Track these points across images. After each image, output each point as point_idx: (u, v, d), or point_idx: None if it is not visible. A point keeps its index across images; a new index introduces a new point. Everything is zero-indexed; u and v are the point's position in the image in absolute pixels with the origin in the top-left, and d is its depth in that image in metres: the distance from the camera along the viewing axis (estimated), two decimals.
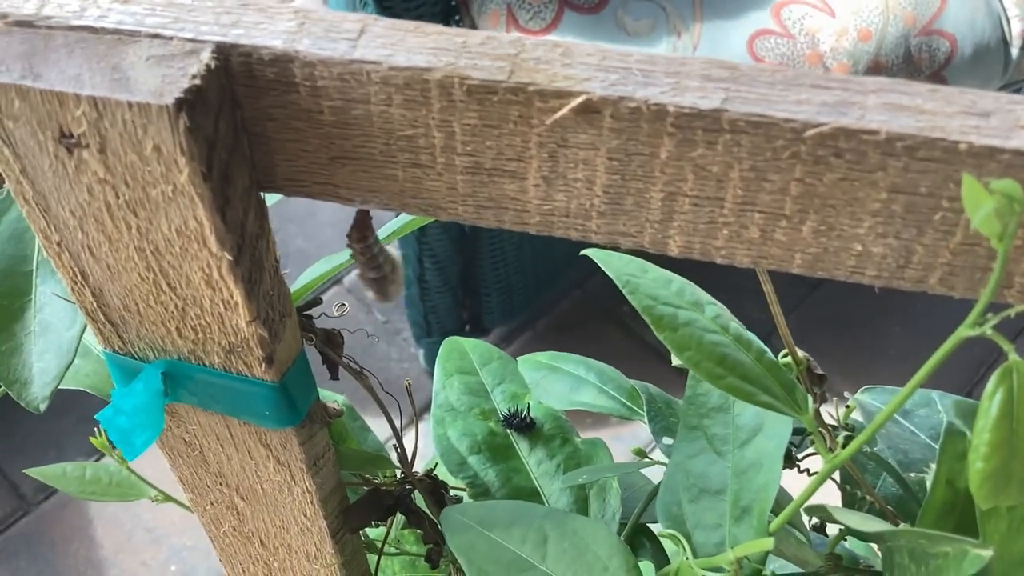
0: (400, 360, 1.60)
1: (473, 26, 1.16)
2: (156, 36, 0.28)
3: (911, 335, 1.60)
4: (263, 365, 0.35)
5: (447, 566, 0.50)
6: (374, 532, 0.54)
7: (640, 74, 0.27)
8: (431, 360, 1.52)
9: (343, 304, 0.44)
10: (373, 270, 0.37)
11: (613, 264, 0.35)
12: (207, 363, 0.35)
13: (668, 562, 0.50)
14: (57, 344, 0.40)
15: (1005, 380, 0.27)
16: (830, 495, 0.71)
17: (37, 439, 1.51)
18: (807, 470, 0.47)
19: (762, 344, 0.36)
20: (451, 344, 0.57)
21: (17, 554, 1.41)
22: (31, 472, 0.58)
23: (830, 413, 0.45)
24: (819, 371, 0.42)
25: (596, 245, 0.41)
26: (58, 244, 0.32)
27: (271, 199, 0.41)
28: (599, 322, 1.64)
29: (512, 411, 0.54)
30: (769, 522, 0.39)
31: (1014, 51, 1.25)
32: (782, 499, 0.46)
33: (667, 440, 0.49)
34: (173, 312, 0.34)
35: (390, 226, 0.42)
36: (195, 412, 0.39)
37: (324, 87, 0.28)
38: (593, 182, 0.29)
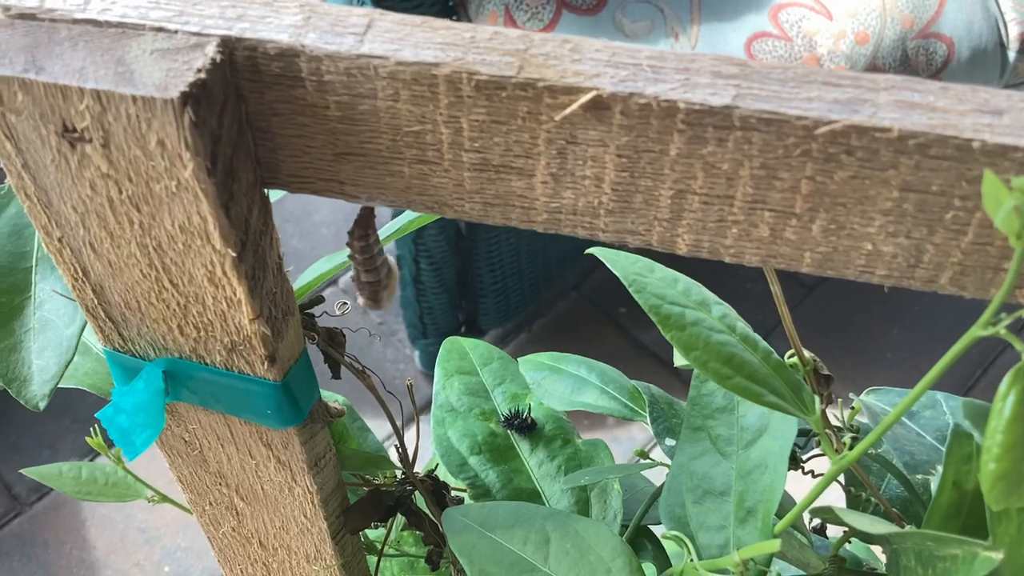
0: (396, 361, 1.60)
1: None
2: (160, 29, 0.28)
3: (908, 337, 1.60)
4: (265, 364, 0.34)
5: (447, 568, 0.49)
6: (373, 533, 0.54)
7: (650, 70, 0.27)
8: (426, 362, 1.52)
9: (345, 303, 0.43)
10: (369, 273, 0.36)
11: (620, 263, 0.35)
12: (209, 361, 0.35)
13: (670, 564, 0.50)
14: (57, 341, 0.40)
15: (1019, 381, 0.27)
16: (832, 496, 0.71)
17: (31, 439, 1.50)
18: (811, 471, 0.47)
19: (768, 345, 0.36)
20: (451, 344, 0.57)
21: (10, 555, 1.40)
22: (27, 472, 0.58)
23: (834, 415, 0.45)
24: (826, 372, 0.42)
25: (601, 243, 0.41)
26: (59, 240, 0.32)
27: (272, 197, 0.40)
28: (595, 324, 1.64)
29: (513, 412, 0.53)
30: (773, 524, 0.39)
31: (1011, 54, 1.25)
32: (784, 501, 0.46)
33: (670, 441, 0.48)
34: (175, 309, 0.33)
35: (389, 227, 0.41)
36: (196, 411, 0.39)
37: (330, 82, 0.28)
38: (602, 179, 0.29)
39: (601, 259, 0.37)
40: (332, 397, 0.52)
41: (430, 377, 1.52)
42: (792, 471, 0.46)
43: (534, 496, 0.51)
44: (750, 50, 1.17)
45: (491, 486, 0.51)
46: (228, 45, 0.28)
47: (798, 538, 0.45)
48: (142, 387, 0.35)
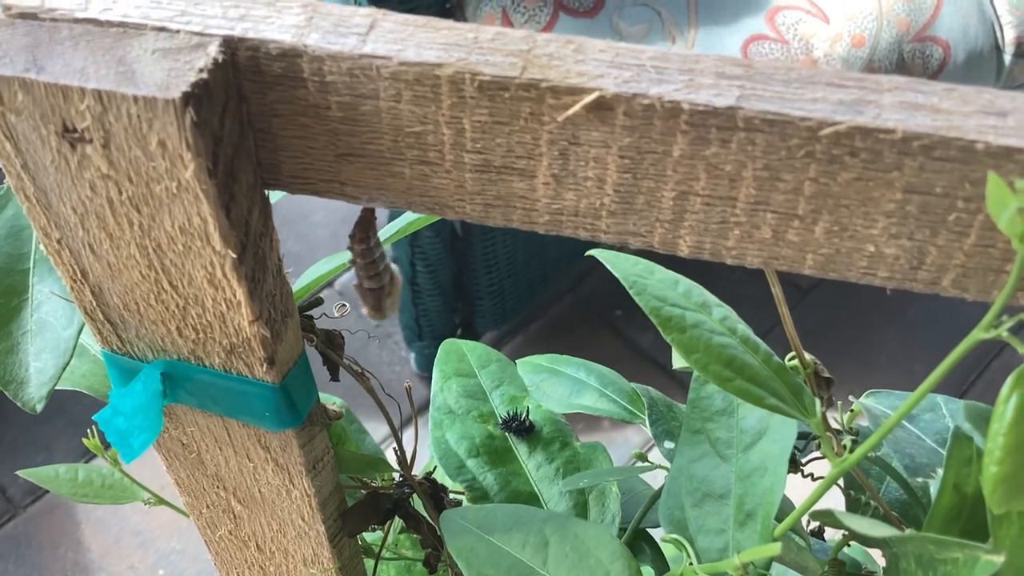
0: (391, 364, 1.60)
1: None
2: (162, 29, 0.28)
3: (904, 340, 1.61)
4: (264, 366, 0.34)
5: (445, 571, 0.49)
6: (371, 536, 0.54)
7: (654, 71, 0.26)
8: (422, 364, 1.52)
9: (344, 304, 0.43)
10: (371, 278, 0.36)
11: (620, 265, 0.35)
12: (207, 363, 0.35)
13: (668, 568, 0.49)
14: (54, 343, 0.40)
15: (1021, 383, 0.27)
16: (831, 499, 0.71)
17: (26, 442, 1.50)
18: (811, 474, 0.47)
19: (768, 348, 0.36)
20: (449, 346, 0.56)
21: (4, 557, 1.40)
22: (23, 473, 0.57)
23: (833, 418, 0.45)
24: (826, 374, 0.42)
25: (601, 245, 0.40)
26: (58, 241, 0.32)
27: (271, 198, 0.40)
28: (591, 326, 1.64)
29: (511, 414, 0.53)
30: (773, 527, 0.38)
31: (1007, 57, 1.26)
32: (783, 504, 0.46)
33: (668, 444, 0.48)
34: (174, 311, 0.33)
35: (387, 230, 0.41)
36: (194, 413, 0.38)
37: (332, 82, 0.28)
38: (604, 180, 0.29)
39: (601, 261, 0.37)
40: (330, 399, 0.52)
41: (426, 379, 1.52)
42: (791, 474, 0.45)
43: (532, 499, 0.51)
44: (747, 53, 1.17)
45: (489, 489, 0.51)
46: (230, 45, 0.27)
47: (797, 541, 0.45)
48: (140, 389, 0.35)
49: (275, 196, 0.40)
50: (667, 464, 0.49)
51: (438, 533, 0.47)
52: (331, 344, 0.41)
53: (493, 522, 0.42)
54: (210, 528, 0.45)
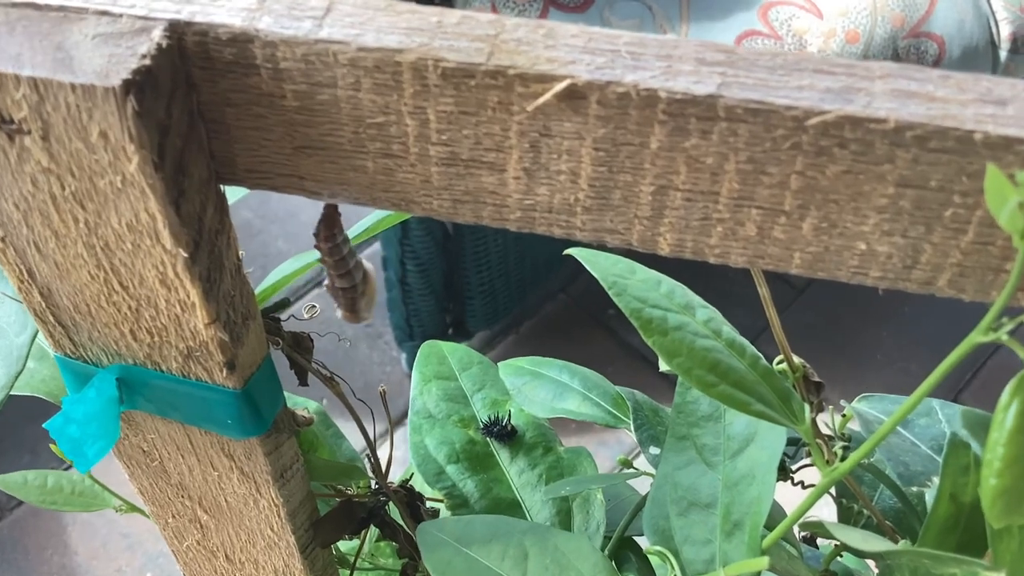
0: (382, 364, 1.58)
1: None
2: (104, 13, 0.26)
3: (898, 339, 1.59)
4: (224, 371, 0.32)
5: None
6: (346, 545, 0.52)
7: (629, 57, 0.25)
8: (413, 364, 1.50)
9: (313, 306, 0.41)
10: (342, 277, 0.34)
11: (599, 264, 0.33)
12: (164, 368, 0.33)
13: None
14: (7, 350, 0.38)
15: (1021, 391, 0.25)
16: (823, 507, 0.69)
17: (10, 444, 1.48)
18: (801, 482, 0.45)
19: (756, 350, 0.34)
20: (429, 348, 0.55)
21: None
22: None
23: (825, 423, 0.43)
24: (816, 379, 0.40)
25: (581, 244, 0.39)
26: (2, 240, 0.30)
27: (237, 193, 0.38)
28: (584, 325, 1.62)
29: (492, 418, 0.52)
30: (762, 537, 0.37)
31: (1003, 53, 1.24)
32: (773, 512, 0.44)
33: (654, 450, 0.46)
34: (126, 313, 0.31)
35: (360, 225, 0.39)
36: (153, 420, 0.37)
37: (287, 69, 0.26)
38: (578, 174, 0.27)
39: (580, 260, 0.35)
40: (306, 404, 0.50)
41: None
42: (782, 482, 0.44)
43: (514, 506, 0.49)
44: None
45: (469, 496, 0.49)
46: (177, 30, 0.26)
47: (787, 550, 0.44)
48: (94, 395, 0.33)
49: (239, 192, 0.38)
50: (653, 470, 0.47)
51: (415, 542, 0.45)
52: (299, 347, 0.39)
53: (471, 534, 0.40)
54: (177, 538, 0.44)
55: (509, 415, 0.52)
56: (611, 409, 0.51)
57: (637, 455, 1.41)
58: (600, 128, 0.25)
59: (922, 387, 0.28)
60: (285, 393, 0.38)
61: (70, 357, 0.34)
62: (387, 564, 0.54)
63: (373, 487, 0.46)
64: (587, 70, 0.25)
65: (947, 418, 0.43)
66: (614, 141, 0.26)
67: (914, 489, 0.41)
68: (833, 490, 0.45)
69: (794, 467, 0.47)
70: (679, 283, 0.34)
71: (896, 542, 0.39)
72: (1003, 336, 0.25)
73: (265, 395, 0.35)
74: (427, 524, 0.40)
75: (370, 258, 1.61)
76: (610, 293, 0.32)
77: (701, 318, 0.33)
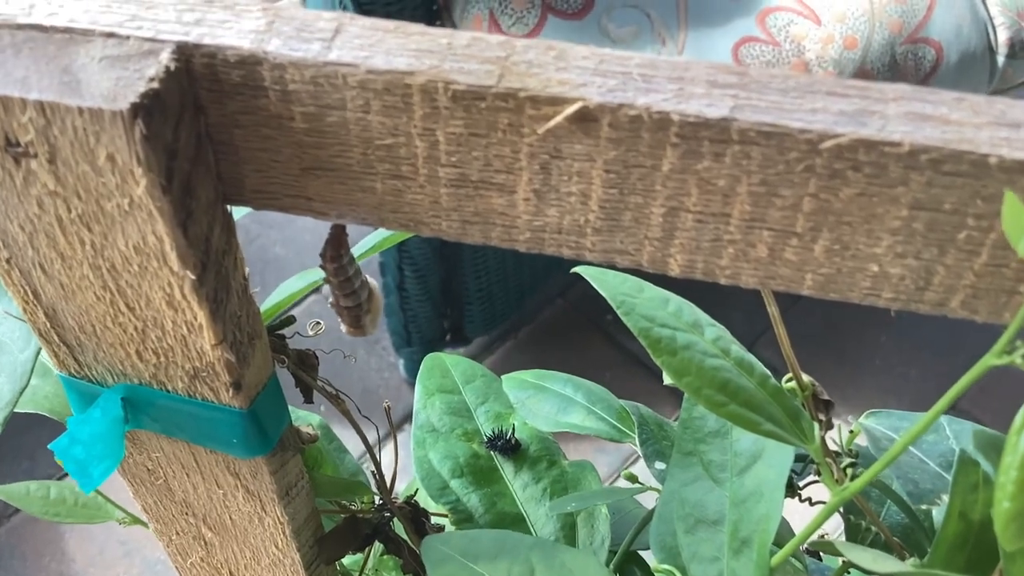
0: (380, 370, 1.58)
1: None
2: (111, 35, 0.26)
3: (898, 344, 1.59)
4: (230, 391, 0.32)
5: None
6: (350, 560, 0.52)
7: (641, 79, 0.25)
8: (411, 370, 1.50)
9: (318, 322, 0.41)
10: (347, 296, 0.34)
11: (608, 283, 0.33)
12: (170, 388, 0.33)
13: None
14: (11, 367, 0.38)
15: None
16: (829, 522, 0.69)
17: (9, 452, 1.48)
18: (809, 499, 0.45)
19: (765, 369, 0.34)
20: (432, 361, 0.54)
21: None
22: None
23: (832, 438, 0.43)
24: (825, 397, 0.40)
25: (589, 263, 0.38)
26: (7, 261, 0.30)
27: (241, 211, 0.38)
28: (582, 331, 1.62)
29: (496, 432, 0.51)
30: (769, 555, 0.37)
31: (1000, 59, 1.24)
32: (783, 529, 0.44)
33: (660, 465, 0.46)
34: (132, 334, 0.31)
35: (366, 243, 0.39)
36: (159, 439, 0.36)
37: (296, 91, 0.26)
38: (588, 196, 0.27)
39: (587, 279, 0.35)
40: (308, 419, 0.50)
41: (414, 386, 1.50)
42: (790, 499, 0.44)
43: (518, 521, 0.49)
44: (737, 55, 1.15)
45: (473, 510, 0.49)
46: (184, 52, 0.25)
47: (794, 565, 0.43)
48: (99, 416, 0.33)
49: (242, 211, 0.38)
50: (656, 483, 0.47)
51: (420, 557, 0.45)
52: (303, 365, 0.39)
53: (477, 549, 0.40)
54: (181, 555, 0.43)
55: (513, 429, 0.52)
56: (616, 423, 0.51)
57: (634, 462, 1.40)
58: (611, 150, 0.25)
59: (934, 409, 0.28)
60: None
61: (75, 377, 0.34)
62: None
63: (377, 503, 0.45)
64: (599, 92, 0.24)
65: (955, 434, 0.43)
66: (625, 163, 0.26)
67: (922, 507, 0.41)
68: (841, 507, 0.45)
69: (801, 483, 0.47)
70: (687, 301, 0.34)
71: (904, 559, 0.38)
72: (1017, 359, 0.25)
73: (271, 414, 0.34)
74: (432, 538, 0.40)
75: (367, 264, 1.61)
76: (619, 312, 0.32)
77: (710, 337, 0.33)
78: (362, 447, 0.46)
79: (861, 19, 1.18)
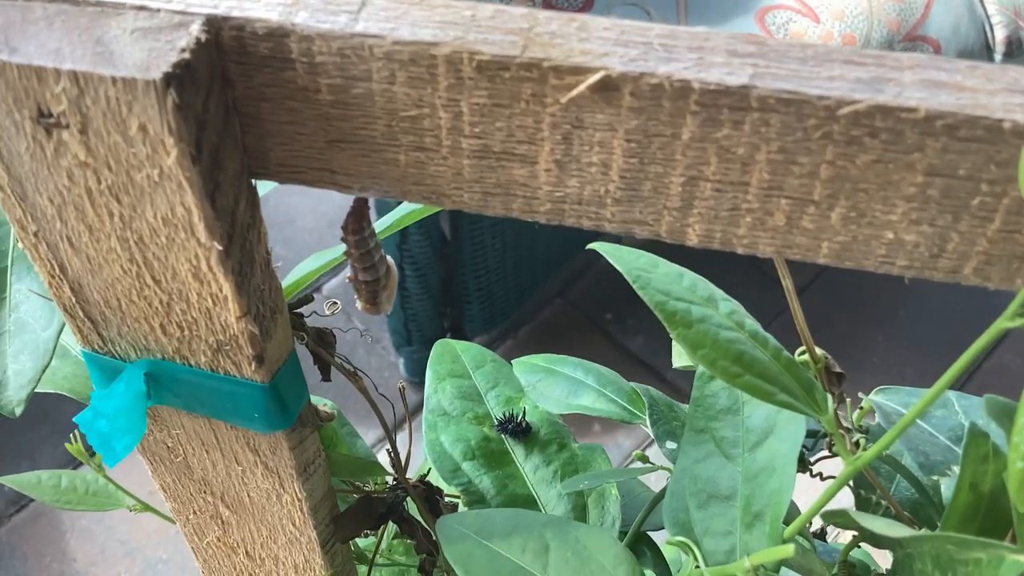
0: (380, 369, 1.58)
1: None
2: (142, 8, 0.26)
3: (894, 343, 1.60)
4: (253, 364, 0.33)
5: None
6: (364, 542, 0.52)
7: (662, 49, 0.25)
8: (411, 369, 1.50)
9: (335, 302, 0.42)
10: (366, 270, 0.35)
11: (623, 258, 0.34)
12: (193, 363, 0.33)
13: (669, 572, 0.48)
14: (33, 344, 0.38)
15: None
16: (839, 499, 0.69)
17: (10, 450, 1.48)
18: (820, 474, 0.46)
19: (777, 342, 0.34)
20: (443, 347, 0.55)
21: None
22: (5, 480, 0.56)
23: (842, 416, 0.44)
24: (837, 370, 0.40)
25: (599, 237, 0.39)
26: (35, 235, 0.30)
27: (265, 187, 0.39)
28: (581, 330, 1.62)
29: (507, 416, 0.52)
30: (782, 529, 0.37)
31: (997, 57, 1.25)
32: (789, 507, 0.44)
33: (671, 444, 0.47)
34: (157, 308, 0.32)
35: (379, 224, 0.40)
36: (179, 415, 0.37)
37: (322, 63, 0.26)
38: (609, 166, 0.27)
39: (603, 254, 0.35)
40: (320, 401, 0.51)
41: (415, 384, 1.50)
42: (801, 474, 0.44)
43: (530, 502, 0.49)
44: None
45: (485, 492, 0.49)
46: (214, 24, 0.26)
47: (801, 543, 0.44)
48: (123, 390, 0.33)
49: (263, 189, 0.39)
50: (667, 465, 0.48)
51: (433, 538, 0.46)
52: (322, 343, 0.39)
53: (492, 527, 0.40)
54: (197, 535, 0.44)
55: (524, 412, 0.52)
56: (626, 405, 0.51)
57: (647, 447, 1.41)
58: (632, 119, 0.26)
59: (946, 376, 0.28)
60: None
61: (98, 352, 0.34)
62: (402, 560, 0.54)
63: (391, 483, 0.46)
64: (621, 62, 0.25)
65: (964, 409, 0.44)
66: (646, 132, 0.26)
67: (932, 479, 0.41)
68: (851, 481, 0.46)
69: (812, 459, 0.47)
70: (700, 276, 0.35)
71: (917, 531, 0.39)
72: None
73: (291, 389, 0.35)
74: (447, 518, 0.41)
75: None
76: (635, 286, 0.32)
77: (724, 311, 0.33)
78: (372, 436, 0.46)
79: (859, 17, 1.19)
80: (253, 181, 0.30)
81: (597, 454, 0.51)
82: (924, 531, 0.34)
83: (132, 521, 1.40)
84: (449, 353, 0.54)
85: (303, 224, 1.74)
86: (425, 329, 1.45)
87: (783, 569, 0.42)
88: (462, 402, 0.52)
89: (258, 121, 0.28)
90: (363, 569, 0.49)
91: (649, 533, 0.50)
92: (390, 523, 0.46)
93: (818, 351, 0.40)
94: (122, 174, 0.27)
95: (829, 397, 0.33)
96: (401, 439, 0.53)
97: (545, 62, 0.25)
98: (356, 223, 0.32)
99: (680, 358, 0.46)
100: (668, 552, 0.49)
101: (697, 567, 0.37)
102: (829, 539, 0.57)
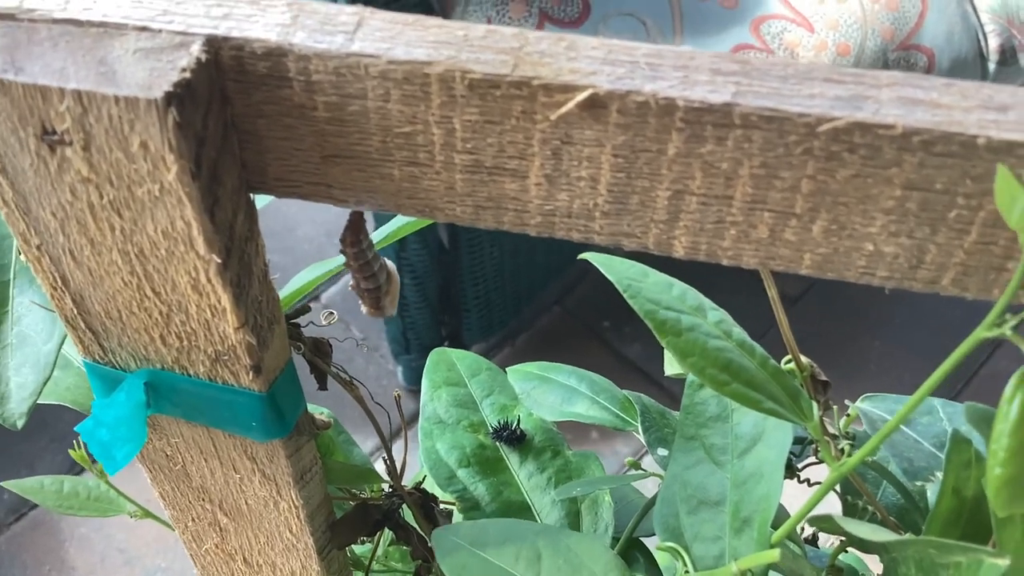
0: (378, 377, 1.59)
1: None
2: (144, 29, 0.27)
3: (890, 349, 1.61)
4: (250, 374, 0.33)
5: None
6: (360, 549, 0.53)
7: (648, 68, 0.26)
8: (409, 377, 1.51)
9: (331, 312, 0.42)
10: (367, 279, 0.36)
11: (614, 268, 0.34)
12: (192, 372, 0.34)
13: None
14: (35, 357, 0.39)
15: None
16: (827, 506, 0.70)
17: (9, 459, 1.48)
18: (807, 480, 0.46)
19: (764, 351, 0.35)
20: (438, 355, 0.56)
21: None
22: (7, 485, 0.56)
23: (829, 423, 0.44)
24: (823, 378, 0.41)
25: (592, 248, 0.40)
26: (38, 248, 0.31)
27: (261, 201, 0.39)
28: (579, 338, 1.63)
29: (502, 423, 0.53)
30: (770, 534, 0.38)
31: (991, 65, 1.26)
32: (777, 510, 0.45)
33: (662, 451, 0.48)
34: (157, 319, 0.32)
35: (376, 235, 0.40)
36: (178, 424, 0.38)
37: (319, 82, 0.27)
38: (597, 180, 0.28)
39: (595, 264, 0.36)
40: (317, 410, 0.51)
41: (413, 393, 1.51)
42: (788, 480, 0.45)
43: (524, 509, 0.50)
44: None
45: (480, 499, 0.50)
46: (214, 44, 0.27)
47: (792, 548, 0.45)
48: (123, 399, 0.34)
49: (263, 200, 0.39)
50: (660, 472, 0.48)
51: (429, 545, 0.46)
52: (319, 352, 0.40)
53: (485, 537, 0.41)
54: (196, 542, 0.45)
55: (518, 420, 0.53)
56: (619, 412, 0.52)
57: (641, 457, 1.41)
58: (620, 135, 0.27)
59: (926, 384, 0.29)
60: None
61: (99, 363, 0.35)
62: (398, 567, 0.54)
63: (387, 490, 0.47)
64: (608, 80, 0.26)
65: (948, 416, 0.45)
66: (633, 148, 0.27)
67: (917, 484, 0.42)
68: (838, 488, 0.47)
69: (800, 465, 0.48)
70: (689, 286, 0.36)
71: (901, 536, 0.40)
72: (1007, 331, 0.27)
73: (288, 398, 0.36)
74: (442, 529, 0.41)
75: None
76: (625, 295, 0.33)
77: (712, 320, 0.34)
78: (369, 445, 0.47)
79: (854, 26, 1.20)
80: (251, 195, 0.31)
81: (591, 461, 0.52)
82: (908, 535, 0.34)
83: (131, 529, 1.41)
84: (445, 361, 0.55)
85: (303, 233, 1.75)
86: (423, 337, 1.45)
87: (772, 573, 0.43)
88: (458, 410, 0.53)
89: (256, 137, 0.29)
90: (360, 575, 0.50)
91: (642, 539, 0.50)
92: (386, 530, 0.46)
93: (804, 359, 0.41)
94: (123, 189, 0.28)
95: (815, 404, 0.34)
96: (399, 446, 0.54)
97: (535, 80, 0.26)
98: (353, 235, 0.33)
99: (672, 366, 0.47)
100: (660, 558, 0.50)
101: (687, 572, 0.38)
102: (822, 545, 0.58)
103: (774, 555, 0.34)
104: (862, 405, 0.45)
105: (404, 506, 0.47)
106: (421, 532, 0.47)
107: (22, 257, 0.32)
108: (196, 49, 0.26)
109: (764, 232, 0.28)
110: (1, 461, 1.48)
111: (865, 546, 0.37)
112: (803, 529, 0.53)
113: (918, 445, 0.43)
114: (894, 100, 0.25)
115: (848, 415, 0.45)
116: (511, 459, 0.52)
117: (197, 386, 0.34)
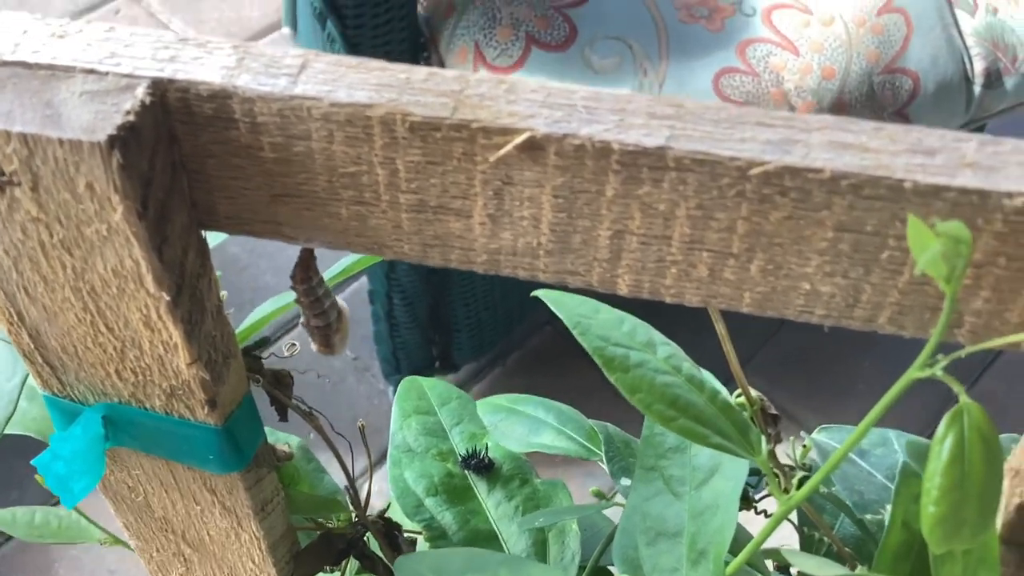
0: (369, 397, 1.59)
1: (441, 63, 1.16)
2: (91, 72, 0.27)
3: (880, 369, 1.61)
4: (206, 408, 0.34)
5: None
6: None
7: (585, 111, 0.26)
8: None
9: (293, 344, 0.43)
10: (317, 316, 0.36)
11: (566, 305, 0.35)
12: (148, 406, 0.34)
13: None
14: None
15: (956, 423, 0.27)
16: (789, 536, 0.71)
17: (0, 478, 1.48)
18: (764, 511, 0.47)
19: (716, 384, 0.35)
20: (409, 384, 0.56)
21: None
22: None
23: (787, 453, 0.45)
24: (773, 411, 0.42)
25: (548, 285, 0.40)
26: None
27: (219, 236, 0.40)
28: (570, 357, 1.63)
29: (470, 452, 0.53)
30: (727, 564, 0.38)
31: (976, 88, 1.27)
32: (744, 540, 0.45)
33: (625, 481, 0.48)
34: (112, 354, 0.33)
35: (338, 266, 0.41)
36: (138, 456, 0.38)
37: (264, 123, 0.28)
38: (539, 220, 0.28)
39: (546, 302, 0.37)
40: (288, 439, 0.52)
41: None
42: (746, 511, 0.45)
43: (491, 537, 0.50)
44: (718, 85, 1.18)
45: (447, 528, 0.50)
46: (159, 87, 0.27)
47: (752, 574, 0.45)
48: (79, 433, 0.34)
49: (220, 237, 0.40)
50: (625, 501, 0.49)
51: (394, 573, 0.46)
52: (278, 384, 0.40)
53: (448, 566, 0.41)
54: (162, 572, 0.45)
55: (487, 448, 0.53)
56: (584, 442, 0.52)
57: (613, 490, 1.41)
58: (559, 177, 0.27)
59: (867, 419, 0.29)
60: (269, 429, 0.39)
61: (57, 396, 0.35)
62: None
63: (352, 519, 0.47)
64: (545, 123, 0.26)
65: (903, 448, 0.45)
66: (572, 189, 0.27)
67: (875, 517, 0.42)
68: (794, 519, 0.47)
69: (757, 496, 0.48)
70: (642, 322, 0.36)
71: (854, 569, 0.40)
72: (938, 372, 0.27)
73: (245, 431, 0.36)
74: (405, 558, 0.42)
75: (357, 292, 1.62)
76: (574, 332, 0.34)
77: (662, 355, 0.34)
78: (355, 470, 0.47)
79: (839, 50, 1.20)
80: (203, 232, 0.31)
81: (559, 489, 0.52)
82: (860, 569, 0.35)
83: (121, 550, 1.41)
84: (415, 390, 0.55)
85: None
86: (414, 358, 1.45)
87: None
88: (427, 438, 0.53)
89: (205, 176, 0.29)
90: None
91: (609, 567, 0.50)
92: (352, 559, 0.47)
93: (754, 392, 0.41)
94: (72, 228, 0.28)
95: (764, 438, 0.34)
96: (370, 474, 0.54)
97: (474, 123, 0.27)
98: (303, 272, 0.34)
99: None
100: None
101: None
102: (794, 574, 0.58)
103: None
104: (817, 436, 0.45)
105: (371, 535, 0.47)
106: (387, 561, 0.47)
107: None
108: (141, 92, 0.27)
109: (704, 271, 0.29)
110: None
111: None
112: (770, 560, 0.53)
113: (871, 477, 0.43)
114: (823, 144, 0.25)
115: (805, 446, 0.45)
116: (479, 487, 0.52)
117: (154, 420, 0.35)
